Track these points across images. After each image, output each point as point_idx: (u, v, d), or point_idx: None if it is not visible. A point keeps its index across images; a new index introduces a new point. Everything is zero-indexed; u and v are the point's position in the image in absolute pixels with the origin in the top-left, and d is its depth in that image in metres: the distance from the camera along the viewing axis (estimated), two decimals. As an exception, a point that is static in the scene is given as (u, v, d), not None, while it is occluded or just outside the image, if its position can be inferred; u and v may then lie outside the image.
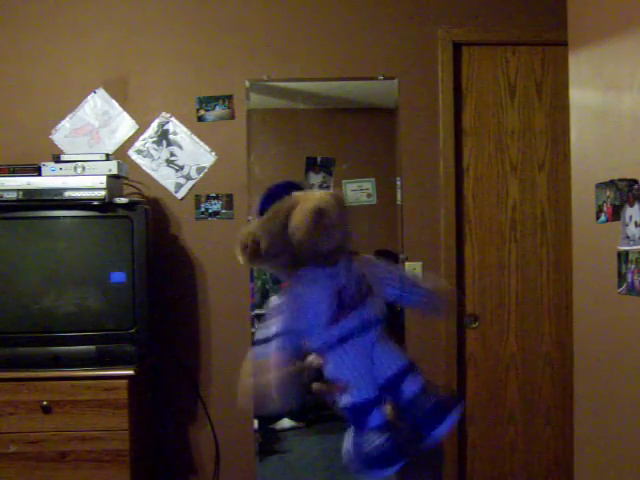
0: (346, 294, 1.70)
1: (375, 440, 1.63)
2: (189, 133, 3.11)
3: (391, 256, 3.12)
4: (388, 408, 1.67)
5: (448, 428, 1.65)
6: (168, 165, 3.11)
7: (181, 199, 3.12)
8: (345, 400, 1.67)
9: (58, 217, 2.71)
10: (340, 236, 1.68)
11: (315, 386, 1.73)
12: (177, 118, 3.11)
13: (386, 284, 1.78)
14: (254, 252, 1.66)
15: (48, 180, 2.67)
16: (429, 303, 1.84)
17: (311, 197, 1.68)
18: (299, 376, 1.69)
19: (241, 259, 1.67)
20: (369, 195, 3.19)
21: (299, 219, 1.63)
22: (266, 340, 1.66)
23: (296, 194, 1.71)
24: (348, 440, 1.68)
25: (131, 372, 2.61)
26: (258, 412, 1.66)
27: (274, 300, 1.78)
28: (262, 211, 1.71)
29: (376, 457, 1.61)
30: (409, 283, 1.82)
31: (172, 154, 3.11)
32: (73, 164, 2.70)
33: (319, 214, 1.62)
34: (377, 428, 1.64)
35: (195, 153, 3.11)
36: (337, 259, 1.71)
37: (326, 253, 1.68)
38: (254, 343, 1.69)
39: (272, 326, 1.67)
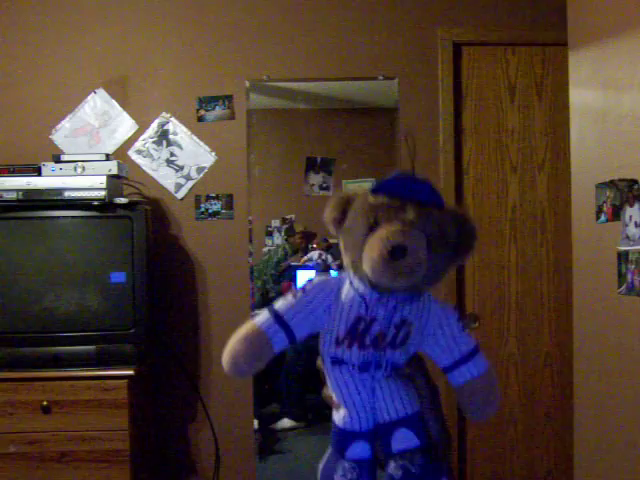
0: (373, 330, 1.55)
1: (347, 473, 1.57)
2: (189, 133, 3.11)
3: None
4: (377, 447, 1.59)
5: None
6: (168, 165, 3.11)
7: (181, 199, 3.12)
8: (336, 419, 1.63)
9: (58, 217, 2.71)
10: (418, 279, 1.49)
11: (324, 391, 1.70)
12: (177, 118, 3.11)
13: (442, 350, 1.61)
14: (336, 219, 1.58)
15: (48, 180, 2.67)
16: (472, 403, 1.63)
17: (391, 229, 1.47)
18: (266, 349, 1.59)
19: (327, 215, 1.60)
20: (369, 195, 3.19)
21: (371, 255, 1.47)
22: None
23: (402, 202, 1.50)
24: (324, 457, 1.65)
25: (131, 372, 2.61)
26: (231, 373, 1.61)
27: (316, 277, 1.67)
28: (376, 190, 1.56)
29: None
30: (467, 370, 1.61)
31: (172, 154, 3.11)
32: (73, 164, 2.70)
33: (391, 258, 1.44)
34: (354, 462, 1.58)
35: (195, 153, 3.11)
36: (398, 291, 1.54)
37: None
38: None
39: (283, 300, 1.62)
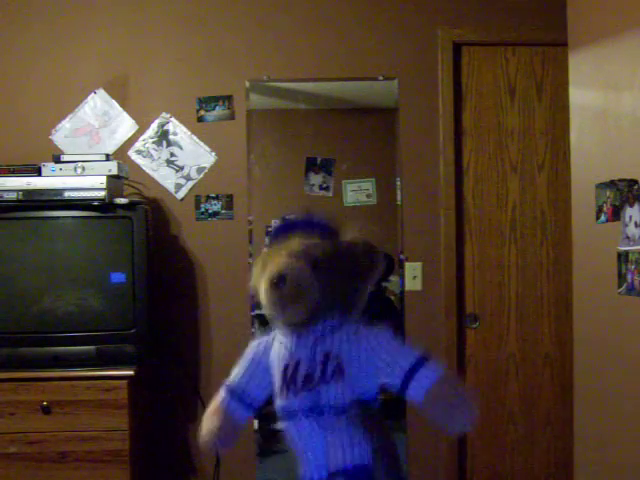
0: (300, 371, 1.57)
1: None
2: (189, 133, 3.11)
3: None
4: None
5: None
6: (168, 165, 3.11)
7: (181, 199, 3.12)
8: (299, 468, 1.63)
9: (58, 217, 2.71)
10: (310, 305, 1.54)
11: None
12: (177, 118, 3.11)
13: (385, 374, 1.58)
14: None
15: (48, 180, 2.67)
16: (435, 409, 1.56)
17: (276, 261, 1.55)
18: (233, 428, 1.69)
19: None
20: (369, 195, 3.19)
21: (262, 289, 1.55)
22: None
23: (282, 245, 1.59)
24: None
25: (131, 372, 2.61)
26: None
27: (250, 343, 1.75)
28: (275, 238, 1.67)
29: None
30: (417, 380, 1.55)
31: (172, 154, 3.11)
32: (73, 164, 2.70)
33: (274, 288, 1.52)
34: None
35: (195, 153, 3.11)
36: (309, 326, 1.57)
37: (292, 323, 1.58)
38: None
39: (233, 371, 1.71)
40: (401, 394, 1.57)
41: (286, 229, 1.65)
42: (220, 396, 1.71)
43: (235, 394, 1.68)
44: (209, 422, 1.69)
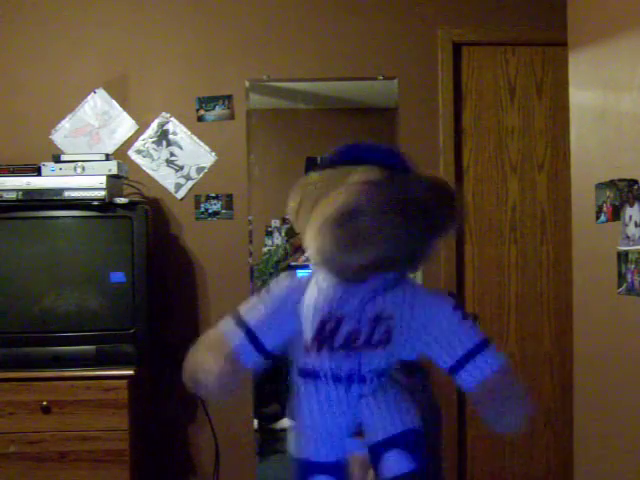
0: (343, 329, 1.31)
1: None
2: (189, 133, 3.11)
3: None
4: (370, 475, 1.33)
5: None
6: (168, 165, 3.11)
7: (181, 199, 3.12)
8: (295, 448, 1.37)
9: (58, 217, 2.71)
10: (374, 254, 1.24)
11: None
12: (177, 118, 3.11)
13: (436, 351, 1.34)
14: (294, 210, 1.37)
15: (48, 180, 2.67)
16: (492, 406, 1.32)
17: (338, 193, 1.24)
18: (236, 373, 1.38)
19: (288, 207, 1.42)
20: (369, 195, 3.19)
21: (314, 227, 1.25)
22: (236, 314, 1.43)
23: (350, 172, 1.28)
24: None
25: (131, 372, 2.61)
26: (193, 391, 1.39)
27: (280, 277, 1.46)
28: (324, 164, 1.36)
29: None
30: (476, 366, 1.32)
31: (172, 154, 3.11)
32: (73, 164, 2.70)
33: (338, 225, 1.22)
34: None
35: (195, 153, 3.11)
36: (366, 278, 1.30)
37: (351, 269, 1.28)
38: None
39: (251, 303, 1.43)
40: (449, 375, 1.36)
41: (348, 156, 1.34)
42: (230, 329, 1.42)
43: (251, 334, 1.39)
44: (208, 357, 1.38)
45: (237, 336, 1.40)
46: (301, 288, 1.40)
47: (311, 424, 1.34)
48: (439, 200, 1.30)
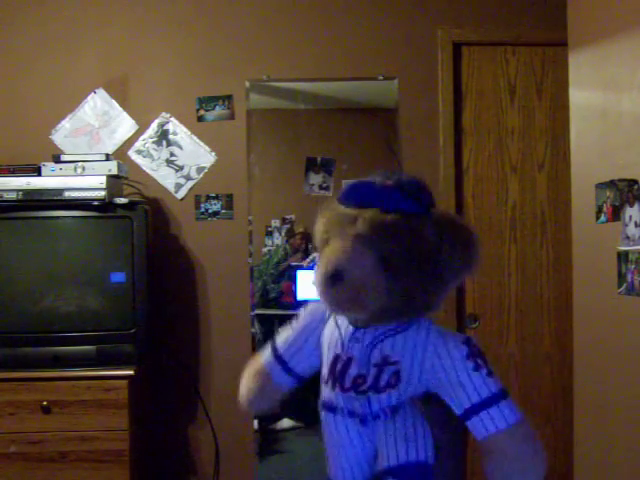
0: (351, 371, 1.30)
1: None
2: (189, 133, 3.11)
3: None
4: None
5: None
6: (168, 165, 3.11)
7: (181, 199, 3.12)
8: (327, 468, 1.43)
9: (58, 217, 2.71)
10: (373, 310, 1.23)
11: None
12: (177, 118, 3.11)
13: (447, 395, 1.29)
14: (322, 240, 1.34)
15: (48, 180, 2.67)
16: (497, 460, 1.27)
17: (334, 246, 1.23)
18: (274, 393, 1.50)
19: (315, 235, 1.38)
20: (369, 195, 3.18)
21: (318, 273, 1.25)
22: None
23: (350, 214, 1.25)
24: None
25: (131, 372, 2.60)
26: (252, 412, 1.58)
27: (309, 304, 1.50)
28: (339, 199, 1.32)
29: None
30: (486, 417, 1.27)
31: (172, 154, 3.11)
32: (73, 164, 2.70)
33: (327, 285, 1.22)
34: None
35: (195, 153, 3.11)
36: (369, 327, 1.30)
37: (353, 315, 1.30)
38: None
39: (285, 331, 1.51)
40: (459, 419, 1.32)
41: (359, 193, 1.27)
42: (265, 356, 1.50)
43: (281, 360, 1.47)
44: (250, 381, 1.50)
45: (271, 363, 1.51)
46: (324, 319, 1.42)
47: (332, 452, 1.39)
48: (453, 246, 1.25)
